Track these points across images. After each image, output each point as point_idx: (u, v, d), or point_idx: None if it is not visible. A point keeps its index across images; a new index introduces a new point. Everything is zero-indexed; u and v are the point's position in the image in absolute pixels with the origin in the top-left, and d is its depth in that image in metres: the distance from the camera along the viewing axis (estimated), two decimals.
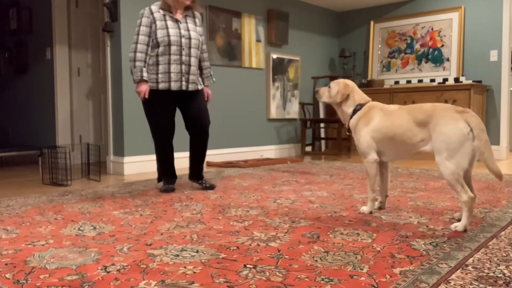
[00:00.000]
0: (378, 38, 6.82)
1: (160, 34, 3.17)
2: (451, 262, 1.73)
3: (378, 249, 1.90)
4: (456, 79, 5.86)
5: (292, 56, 6.48)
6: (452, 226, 2.21)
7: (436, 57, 6.23)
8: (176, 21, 3.25)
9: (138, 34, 3.19)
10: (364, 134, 2.53)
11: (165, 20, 3.21)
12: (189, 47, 3.25)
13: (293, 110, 6.55)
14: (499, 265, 1.70)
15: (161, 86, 3.21)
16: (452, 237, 2.08)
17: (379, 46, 6.80)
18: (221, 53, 5.48)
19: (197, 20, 3.38)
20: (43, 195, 3.31)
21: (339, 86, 2.66)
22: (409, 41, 6.50)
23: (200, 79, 3.46)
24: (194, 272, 1.64)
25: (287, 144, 6.54)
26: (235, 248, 1.94)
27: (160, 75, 3.19)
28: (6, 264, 1.74)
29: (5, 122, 6.41)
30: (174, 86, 3.22)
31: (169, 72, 3.20)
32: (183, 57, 3.22)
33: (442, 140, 2.19)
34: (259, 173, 4.45)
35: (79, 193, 3.37)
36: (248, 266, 1.70)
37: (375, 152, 2.54)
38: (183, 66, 3.23)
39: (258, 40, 5.97)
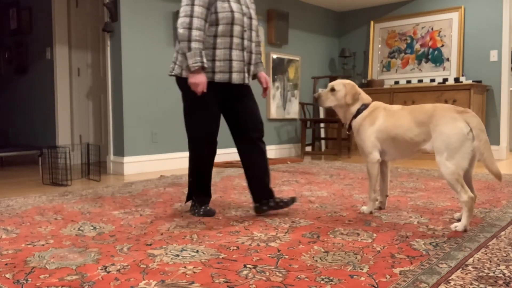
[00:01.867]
0: (378, 38, 6.82)
1: (222, 7, 2.40)
2: (451, 262, 1.73)
3: (378, 249, 1.90)
4: (456, 79, 5.86)
5: (292, 56, 6.48)
6: (452, 226, 2.21)
7: (436, 57, 6.23)
8: None
9: (192, 5, 2.34)
10: (370, 134, 2.52)
11: None
12: (251, 29, 2.53)
13: (293, 110, 6.55)
14: (499, 265, 1.70)
15: (219, 77, 2.44)
16: (452, 237, 2.08)
17: (379, 46, 6.80)
18: None
19: None
20: (43, 195, 3.31)
21: (346, 88, 2.60)
22: (409, 41, 6.50)
23: None
24: (194, 272, 1.64)
25: (287, 144, 6.53)
26: (235, 248, 1.94)
27: (217, 63, 2.43)
28: (6, 264, 1.74)
29: (5, 122, 6.41)
30: (236, 78, 2.47)
31: (230, 60, 2.44)
32: (245, 42, 2.49)
33: (442, 140, 2.19)
34: None
35: (79, 193, 3.37)
36: (248, 266, 1.70)
37: (378, 152, 2.53)
38: (245, 53, 2.50)
39: None
